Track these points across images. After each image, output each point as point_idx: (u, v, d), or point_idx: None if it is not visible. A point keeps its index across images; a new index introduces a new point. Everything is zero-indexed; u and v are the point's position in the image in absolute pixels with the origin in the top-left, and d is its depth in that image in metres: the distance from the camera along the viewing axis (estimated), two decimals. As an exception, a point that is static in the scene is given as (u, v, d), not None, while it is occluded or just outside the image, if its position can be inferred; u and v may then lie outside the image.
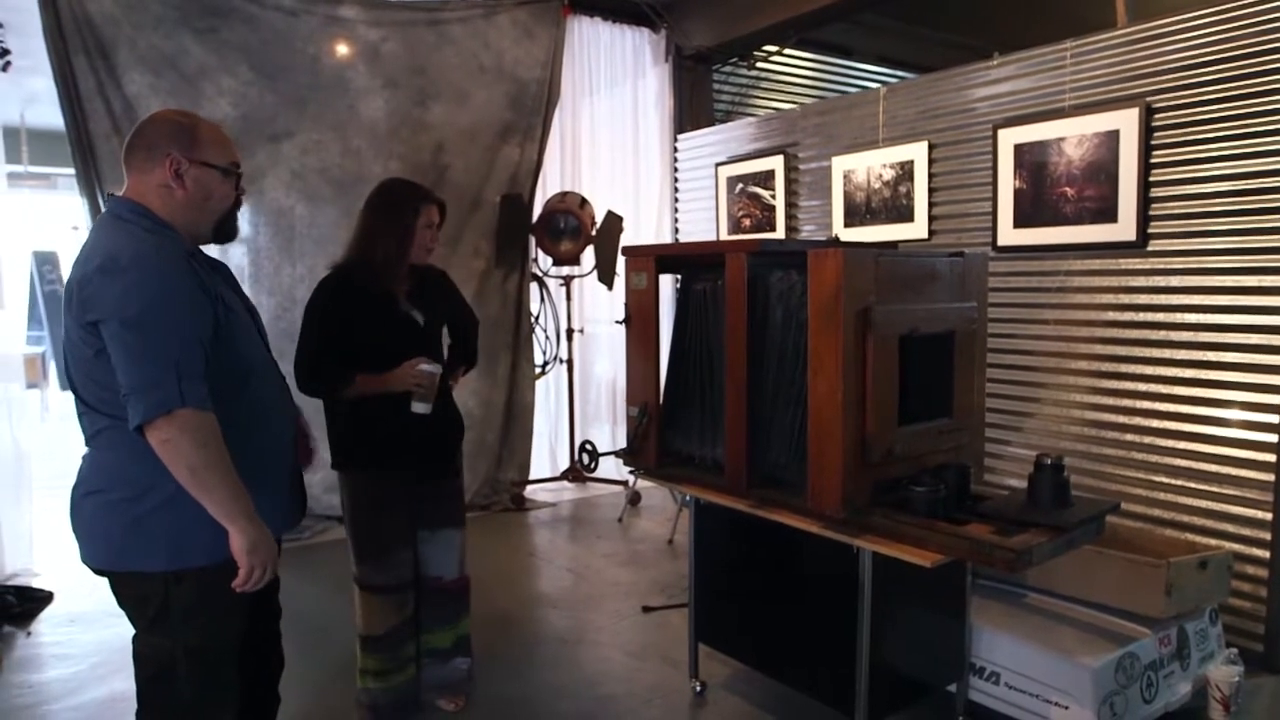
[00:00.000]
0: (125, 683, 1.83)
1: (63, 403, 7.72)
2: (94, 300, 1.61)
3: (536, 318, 5.62)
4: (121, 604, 1.78)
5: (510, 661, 3.27)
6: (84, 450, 1.79)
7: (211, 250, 1.94)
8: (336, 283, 2.62)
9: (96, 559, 1.76)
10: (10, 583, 3.94)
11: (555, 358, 5.65)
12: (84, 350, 1.66)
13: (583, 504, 5.60)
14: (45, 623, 3.70)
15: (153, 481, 1.68)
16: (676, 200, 6.08)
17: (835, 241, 2.65)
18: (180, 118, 1.81)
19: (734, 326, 2.49)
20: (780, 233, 5.08)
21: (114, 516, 1.71)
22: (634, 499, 5.41)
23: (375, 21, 4.89)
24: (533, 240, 5.44)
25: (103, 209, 1.98)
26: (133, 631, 1.83)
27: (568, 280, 5.57)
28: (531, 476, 5.62)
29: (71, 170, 4.24)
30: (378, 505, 2.65)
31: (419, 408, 2.52)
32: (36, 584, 3.99)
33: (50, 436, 6.50)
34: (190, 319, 1.66)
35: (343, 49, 4.84)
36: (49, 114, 4.30)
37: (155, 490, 1.69)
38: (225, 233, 1.87)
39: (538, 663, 3.27)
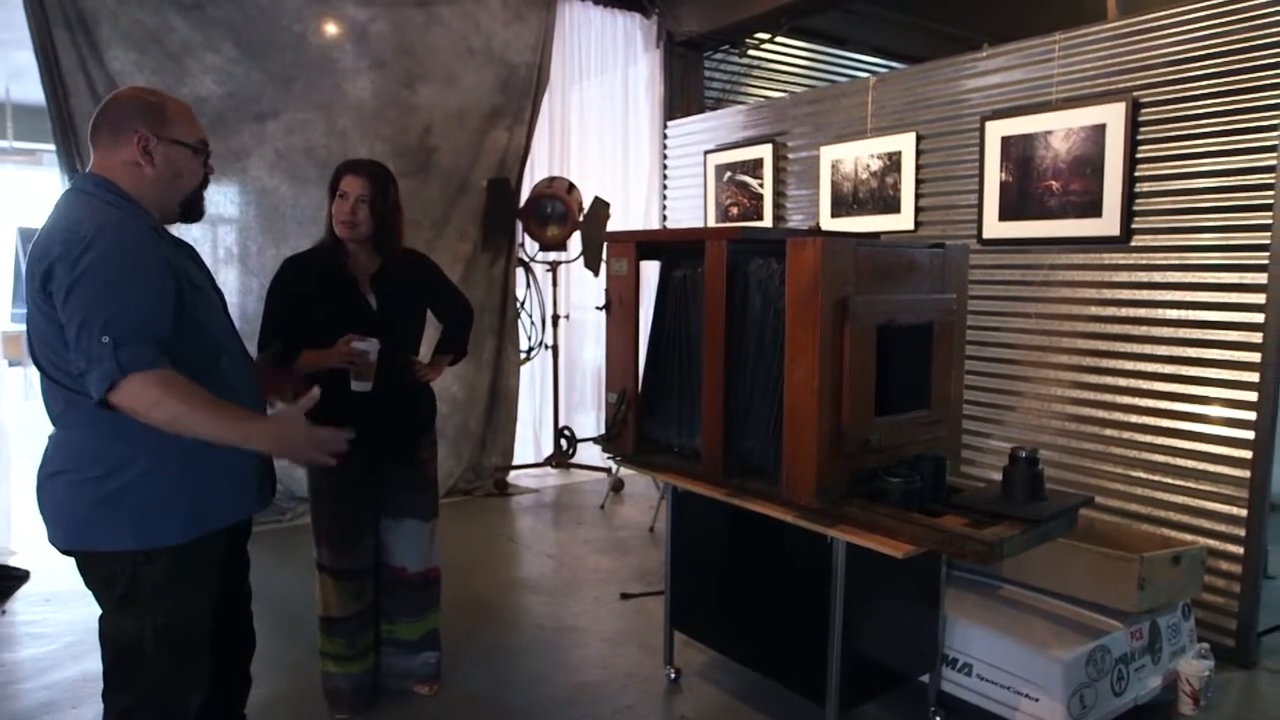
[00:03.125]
0: (98, 662, 1.82)
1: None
2: (54, 270, 1.59)
3: (522, 303, 5.60)
4: (88, 584, 1.77)
5: (487, 647, 3.27)
6: (52, 430, 1.77)
7: (198, 229, 1.92)
8: (296, 261, 2.65)
9: (63, 539, 1.74)
10: (-13, 561, 3.93)
11: (540, 343, 5.63)
12: (44, 322, 1.64)
13: (566, 490, 5.60)
14: (21, 601, 3.69)
15: (119, 460, 1.67)
16: (665, 187, 6.05)
17: (815, 230, 2.64)
18: (148, 95, 1.79)
19: (713, 314, 2.47)
20: (768, 222, 5.07)
21: (80, 496, 1.69)
22: (617, 486, 5.41)
23: (364, 0, 4.84)
24: (519, 225, 5.41)
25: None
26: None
27: (554, 266, 5.55)
28: (515, 462, 5.61)
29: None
30: (335, 487, 2.64)
31: (357, 385, 2.48)
32: (13, 563, 3.97)
33: (32, 415, 6.44)
34: (151, 291, 1.63)
35: (330, 28, 4.79)
36: (34, 89, 4.22)
37: (122, 469, 1.67)
38: (192, 212, 1.85)
39: (515, 649, 3.27)
